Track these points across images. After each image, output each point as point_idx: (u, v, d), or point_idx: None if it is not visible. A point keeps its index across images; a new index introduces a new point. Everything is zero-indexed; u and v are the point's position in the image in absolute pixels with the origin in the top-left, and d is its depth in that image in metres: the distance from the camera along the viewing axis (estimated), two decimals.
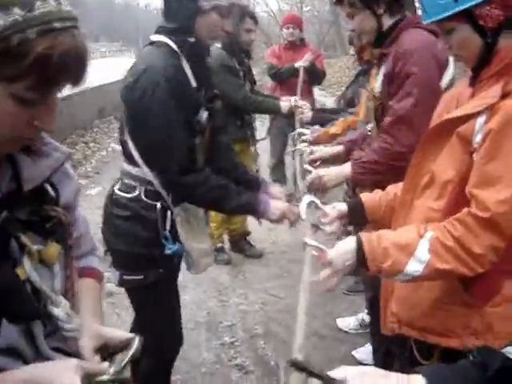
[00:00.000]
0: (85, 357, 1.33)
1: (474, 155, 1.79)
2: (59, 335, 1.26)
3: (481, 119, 1.78)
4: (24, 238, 1.15)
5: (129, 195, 2.56)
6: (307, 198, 2.41)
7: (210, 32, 2.56)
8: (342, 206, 2.34)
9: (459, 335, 1.93)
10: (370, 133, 3.03)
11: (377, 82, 2.89)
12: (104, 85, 14.45)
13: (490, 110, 1.75)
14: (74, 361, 1.17)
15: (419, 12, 2.67)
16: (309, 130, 3.93)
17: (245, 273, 5.54)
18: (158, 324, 2.76)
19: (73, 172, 1.45)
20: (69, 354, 1.29)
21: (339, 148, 3.31)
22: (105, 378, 1.23)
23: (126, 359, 1.32)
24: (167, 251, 2.54)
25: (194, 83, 2.56)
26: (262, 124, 7.97)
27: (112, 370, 1.26)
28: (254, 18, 5.17)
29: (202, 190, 2.51)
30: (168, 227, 2.55)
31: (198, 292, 4.97)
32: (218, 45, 5.20)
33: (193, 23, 2.49)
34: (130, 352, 1.33)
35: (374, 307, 3.11)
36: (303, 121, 4.68)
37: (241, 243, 5.94)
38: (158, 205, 2.53)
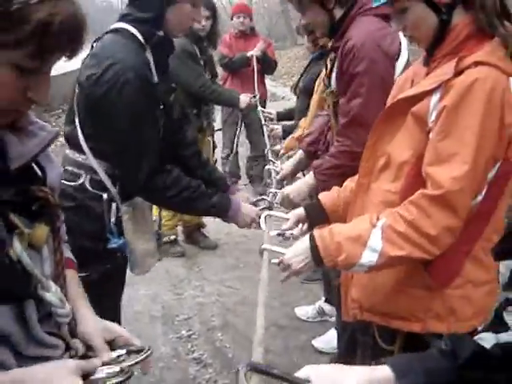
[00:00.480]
0: (97, 347, 1.35)
1: (431, 134, 1.76)
2: (52, 320, 1.23)
3: (435, 97, 1.76)
4: (14, 219, 1.10)
5: (73, 183, 2.39)
6: (264, 213, 2.55)
7: (180, 23, 2.43)
8: (300, 210, 2.37)
9: (421, 319, 1.91)
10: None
11: (332, 78, 2.84)
12: (52, 77, 14.09)
13: (444, 87, 1.72)
14: (71, 362, 1.16)
15: None
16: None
17: (200, 265, 5.45)
18: None
19: (54, 156, 1.39)
20: (62, 339, 1.26)
21: (296, 156, 3.28)
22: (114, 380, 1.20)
23: (134, 362, 1.31)
24: (112, 245, 2.42)
25: (156, 78, 2.42)
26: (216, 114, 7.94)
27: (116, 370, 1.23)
28: (208, 5, 5.06)
29: (171, 192, 2.42)
30: (113, 220, 2.42)
31: (152, 285, 4.86)
32: None
33: (164, 13, 2.34)
34: (140, 358, 1.32)
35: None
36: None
37: (195, 235, 5.85)
38: (105, 196, 2.39)
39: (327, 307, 4.28)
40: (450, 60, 1.77)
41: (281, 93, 11.80)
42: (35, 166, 1.23)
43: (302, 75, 4.91)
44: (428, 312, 1.89)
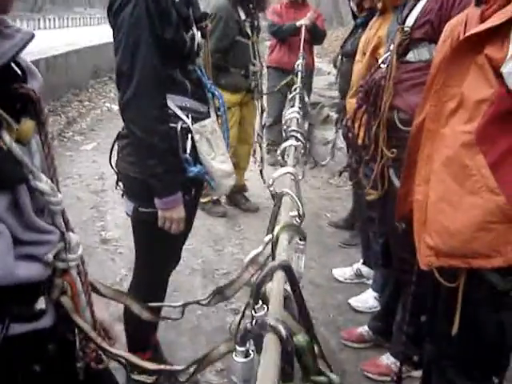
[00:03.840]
0: (116, 334, 1.55)
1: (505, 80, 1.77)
2: (46, 212, 1.27)
3: None
4: (2, 114, 1.12)
5: None
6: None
7: None
8: None
9: (503, 253, 1.87)
10: (382, 65, 2.96)
11: (409, 18, 2.80)
12: (100, 45, 14.32)
13: None
14: None
15: None
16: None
17: (241, 225, 5.54)
18: (160, 257, 2.73)
19: (35, 69, 1.38)
20: (57, 228, 1.29)
21: None
22: None
23: None
24: (190, 174, 2.44)
25: None
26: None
27: None
28: None
29: (147, 125, 2.35)
30: (188, 150, 2.43)
31: (192, 241, 4.93)
32: None
33: None
34: None
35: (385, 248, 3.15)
36: None
37: (237, 197, 5.92)
38: (178, 126, 2.41)
39: (365, 269, 4.34)
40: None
41: (326, 68, 11.82)
42: (15, 66, 1.24)
43: (345, 42, 4.97)
44: (509, 245, 1.86)
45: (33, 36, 1.23)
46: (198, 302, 1.65)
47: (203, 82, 2.58)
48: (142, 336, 2.90)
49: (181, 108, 2.45)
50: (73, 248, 1.30)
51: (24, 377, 1.24)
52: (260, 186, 6.01)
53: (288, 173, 1.67)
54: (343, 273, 4.44)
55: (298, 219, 1.42)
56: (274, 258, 1.11)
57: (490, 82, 1.82)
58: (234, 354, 0.77)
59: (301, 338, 0.83)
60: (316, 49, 8.03)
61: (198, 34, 2.54)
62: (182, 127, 2.42)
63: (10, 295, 1.14)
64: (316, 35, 6.85)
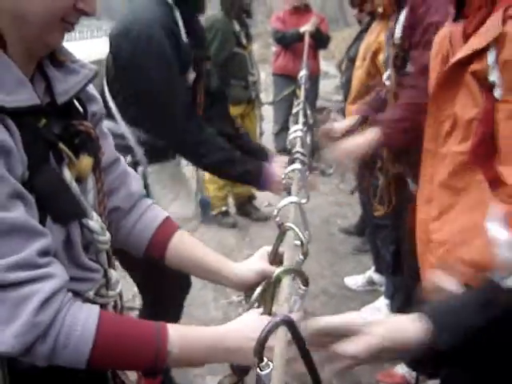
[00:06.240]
0: None
1: (494, 90, 1.73)
2: (92, 248, 1.27)
3: (491, 55, 1.72)
4: (64, 148, 1.14)
5: None
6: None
7: None
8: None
9: None
10: (387, 82, 2.92)
11: (397, 29, 2.78)
12: None
13: (497, 42, 1.68)
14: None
15: None
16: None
17: (251, 235, 5.51)
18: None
19: (96, 93, 1.41)
20: (100, 265, 1.30)
21: (353, 120, 3.13)
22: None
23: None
24: None
25: (185, 38, 2.38)
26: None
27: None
28: None
29: (206, 148, 2.36)
30: None
31: None
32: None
33: None
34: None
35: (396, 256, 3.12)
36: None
37: (246, 207, 5.89)
38: (128, 158, 2.36)
39: (376, 277, 4.31)
40: (486, 13, 1.73)
41: (333, 71, 11.78)
42: (76, 102, 1.26)
43: (350, 47, 4.96)
44: None
45: (97, 73, 1.27)
46: None
47: None
48: None
49: (137, 141, 2.43)
50: (113, 285, 1.33)
51: None
52: (269, 193, 5.96)
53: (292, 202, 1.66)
54: (355, 281, 4.41)
55: (301, 256, 1.40)
56: (267, 311, 1.09)
57: (476, 101, 1.79)
58: None
59: None
60: (322, 52, 7.97)
61: (191, 76, 2.49)
62: (132, 159, 2.40)
63: None
64: (320, 40, 6.82)
